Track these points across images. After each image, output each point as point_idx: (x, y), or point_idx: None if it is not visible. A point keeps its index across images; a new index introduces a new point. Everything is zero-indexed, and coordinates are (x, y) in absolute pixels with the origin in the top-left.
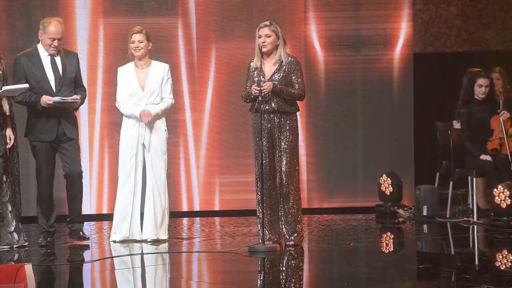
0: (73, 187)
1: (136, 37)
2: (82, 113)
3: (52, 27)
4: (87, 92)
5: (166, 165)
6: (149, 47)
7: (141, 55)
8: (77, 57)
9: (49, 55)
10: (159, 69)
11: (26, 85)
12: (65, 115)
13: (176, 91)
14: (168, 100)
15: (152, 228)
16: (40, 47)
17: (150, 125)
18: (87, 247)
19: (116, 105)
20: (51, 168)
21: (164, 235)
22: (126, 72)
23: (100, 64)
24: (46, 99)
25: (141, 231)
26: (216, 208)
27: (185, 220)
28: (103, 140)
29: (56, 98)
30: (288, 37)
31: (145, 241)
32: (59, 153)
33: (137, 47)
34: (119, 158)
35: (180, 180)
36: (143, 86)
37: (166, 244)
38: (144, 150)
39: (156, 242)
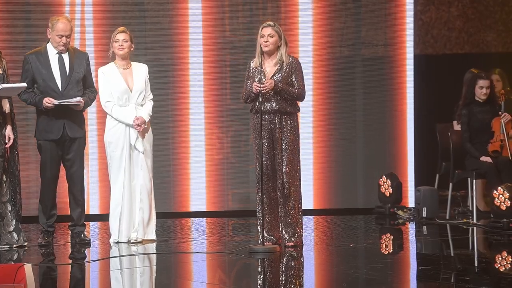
0: (73, 188)
1: (121, 36)
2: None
3: (60, 24)
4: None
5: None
6: (132, 49)
7: (124, 54)
8: (87, 57)
9: (57, 53)
10: (141, 69)
11: (24, 85)
12: (70, 114)
13: None
14: (150, 101)
15: (140, 227)
16: (49, 46)
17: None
18: (86, 247)
19: (104, 105)
20: (55, 167)
21: (152, 235)
22: (109, 73)
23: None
24: (47, 101)
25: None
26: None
27: (183, 221)
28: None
29: (56, 101)
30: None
31: (135, 240)
32: (62, 153)
33: (121, 45)
34: (109, 159)
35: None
36: (131, 86)
37: (154, 244)
38: (131, 150)
39: (145, 241)
